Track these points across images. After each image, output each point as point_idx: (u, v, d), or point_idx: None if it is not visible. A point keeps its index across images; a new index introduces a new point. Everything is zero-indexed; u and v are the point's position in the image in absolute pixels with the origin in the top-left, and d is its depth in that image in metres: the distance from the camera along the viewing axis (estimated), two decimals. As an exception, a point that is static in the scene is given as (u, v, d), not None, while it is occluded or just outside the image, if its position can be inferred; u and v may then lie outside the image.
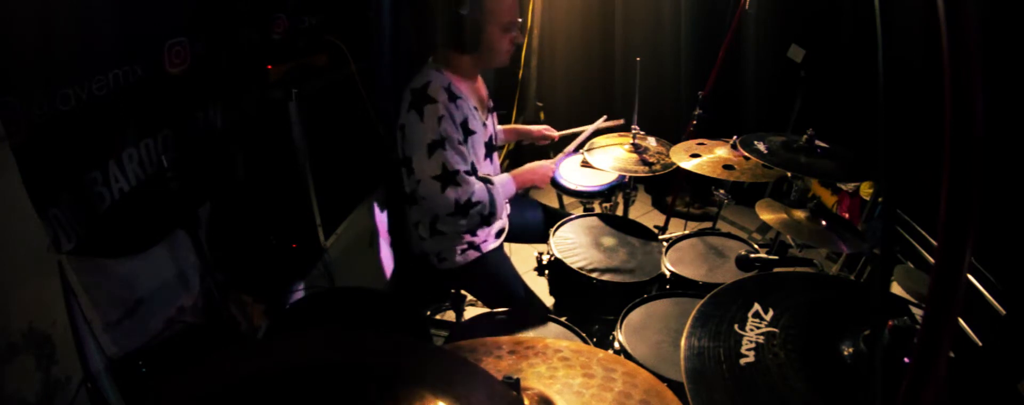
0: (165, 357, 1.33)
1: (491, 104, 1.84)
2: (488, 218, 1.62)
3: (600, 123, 2.22)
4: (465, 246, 1.77)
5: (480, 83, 1.78)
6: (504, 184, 1.68)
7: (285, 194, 1.73)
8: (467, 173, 1.56)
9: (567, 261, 1.70)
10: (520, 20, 1.64)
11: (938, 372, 0.43)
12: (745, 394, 0.75)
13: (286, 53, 1.70)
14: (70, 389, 1.13)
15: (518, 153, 3.48)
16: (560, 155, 1.98)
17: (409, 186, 1.66)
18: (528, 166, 1.81)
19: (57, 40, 1.06)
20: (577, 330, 1.43)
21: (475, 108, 1.67)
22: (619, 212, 2.44)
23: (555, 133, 2.20)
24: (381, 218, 2.30)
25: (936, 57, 0.39)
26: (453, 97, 1.57)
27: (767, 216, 1.70)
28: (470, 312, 2.11)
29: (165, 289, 1.39)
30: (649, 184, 3.74)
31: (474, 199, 1.56)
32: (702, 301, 0.93)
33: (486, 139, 1.73)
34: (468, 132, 1.62)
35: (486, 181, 1.63)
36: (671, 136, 2.32)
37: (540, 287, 1.85)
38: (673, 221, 3.05)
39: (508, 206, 1.93)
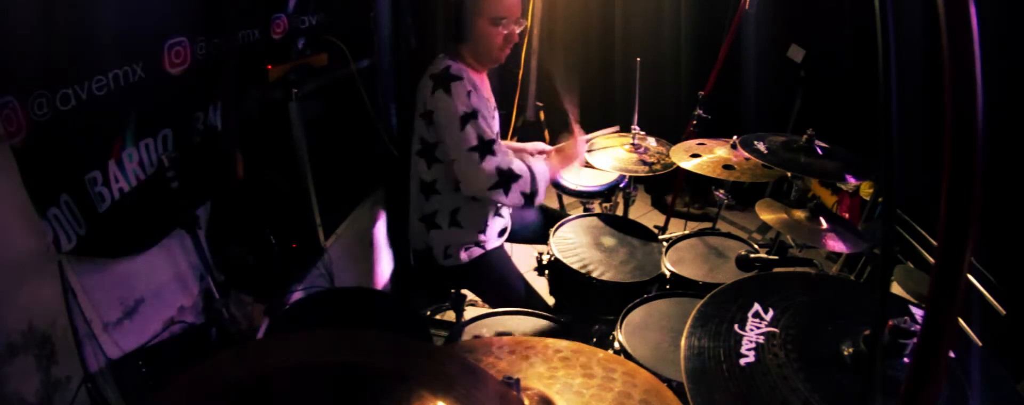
0: (165, 357, 1.33)
1: (495, 104, 1.84)
2: (531, 198, 1.61)
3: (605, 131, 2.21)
4: (470, 243, 1.77)
5: (487, 82, 1.79)
6: (540, 167, 1.66)
7: (285, 194, 1.73)
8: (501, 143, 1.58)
9: (567, 261, 1.70)
10: (521, 21, 1.64)
11: (938, 372, 0.43)
12: (745, 394, 0.75)
13: (286, 53, 1.70)
14: (70, 389, 1.13)
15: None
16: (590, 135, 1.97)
17: (431, 175, 1.66)
18: (557, 148, 1.79)
19: (57, 40, 1.06)
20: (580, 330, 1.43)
21: (487, 102, 1.69)
22: (619, 212, 2.44)
23: (549, 149, 2.20)
24: (381, 218, 2.30)
25: (936, 57, 0.39)
26: (472, 83, 1.59)
27: (767, 216, 1.70)
28: (470, 312, 2.11)
29: (165, 289, 1.39)
30: (649, 184, 3.74)
31: (515, 170, 1.56)
32: (702, 301, 0.93)
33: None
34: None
35: (522, 159, 1.64)
36: (671, 136, 2.32)
37: (540, 287, 1.85)
38: (673, 221, 3.05)
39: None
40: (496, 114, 1.84)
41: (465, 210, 1.73)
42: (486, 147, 1.53)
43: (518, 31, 1.64)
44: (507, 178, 1.55)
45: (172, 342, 1.38)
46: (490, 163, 1.53)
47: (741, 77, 3.21)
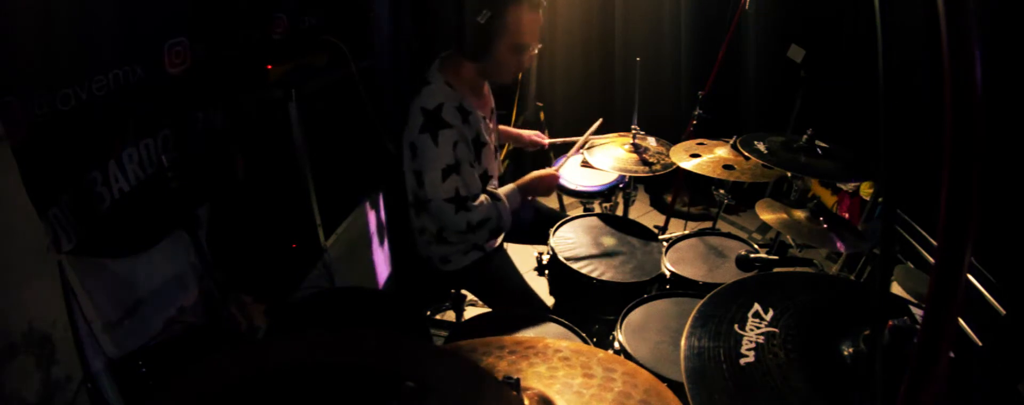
0: (165, 357, 1.33)
1: (494, 105, 1.84)
2: (496, 231, 1.66)
3: (594, 129, 2.20)
4: (468, 248, 1.78)
5: (486, 89, 1.78)
6: (510, 197, 1.69)
7: (285, 194, 1.73)
8: (476, 195, 1.60)
9: (567, 261, 1.70)
10: (539, 47, 1.61)
11: (938, 372, 0.43)
12: (745, 394, 0.75)
13: (286, 53, 1.70)
14: (70, 389, 1.13)
15: (518, 151, 3.49)
16: (562, 160, 1.97)
17: (420, 195, 1.66)
18: (532, 175, 1.78)
19: (57, 40, 1.06)
20: (577, 330, 1.43)
21: (484, 118, 1.67)
22: (619, 212, 2.44)
23: (545, 140, 2.19)
24: (381, 218, 2.30)
25: (936, 56, 0.39)
26: (465, 116, 1.57)
27: (767, 216, 1.70)
28: (470, 312, 2.11)
29: (165, 289, 1.39)
30: (649, 184, 3.74)
31: (486, 218, 1.60)
32: (702, 301, 0.93)
33: (493, 145, 1.74)
34: (480, 145, 1.63)
35: (494, 197, 1.65)
36: (671, 136, 2.31)
37: (540, 287, 1.85)
38: (673, 221, 3.05)
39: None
40: (494, 116, 1.84)
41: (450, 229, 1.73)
42: (462, 202, 1.55)
43: (535, 53, 1.61)
44: (478, 226, 1.59)
45: (172, 342, 1.38)
46: (463, 217, 1.56)
47: (741, 77, 3.22)
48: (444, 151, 1.51)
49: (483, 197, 1.63)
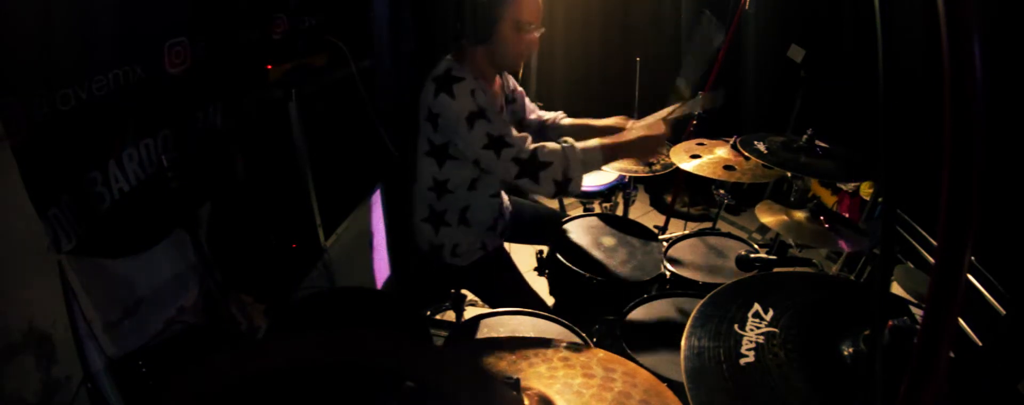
0: (165, 357, 1.33)
1: (502, 103, 1.82)
2: (565, 185, 1.49)
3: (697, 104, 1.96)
4: (477, 241, 1.77)
5: (497, 85, 1.76)
6: (588, 150, 1.53)
7: (285, 194, 1.73)
8: (514, 133, 1.51)
9: (567, 261, 1.70)
10: (541, 27, 1.60)
11: (938, 372, 0.43)
12: (745, 394, 0.75)
13: (286, 53, 1.70)
14: (70, 389, 1.13)
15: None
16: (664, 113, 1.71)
17: (443, 175, 1.65)
18: (631, 134, 1.59)
19: (57, 40, 1.06)
20: (577, 330, 1.43)
21: (494, 99, 1.67)
22: (619, 212, 2.44)
23: (630, 123, 1.89)
24: (381, 218, 2.30)
25: (936, 57, 0.39)
26: (475, 80, 1.56)
27: (767, 218, 1.70)
28: (470, 312, 2.11)
29: (165, 289, 1.39)
30: (649, 184, 3.74)
31: (540, 158, 1.48)
32: (702, 301, 0.93)
33: None
34: None
35: (563, 144, 1.56)
36: (671, 136, 2.31)
37: (540, 287, 1.85)
38: (673, 221, 3.05)
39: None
40: (503, 113, 1.83)
41: (474, 209, 1.72)
42: (498, 143, 1.49)
43: (537, 36, 1.61)
44: (530, 166, 1.48)
45: (172, 342, 1.38)
46: (508, 155, 1.48)
47: (741, 77, 3.22)
48: (463, 101, 1.48)
49: (548, 144, 1.53)
